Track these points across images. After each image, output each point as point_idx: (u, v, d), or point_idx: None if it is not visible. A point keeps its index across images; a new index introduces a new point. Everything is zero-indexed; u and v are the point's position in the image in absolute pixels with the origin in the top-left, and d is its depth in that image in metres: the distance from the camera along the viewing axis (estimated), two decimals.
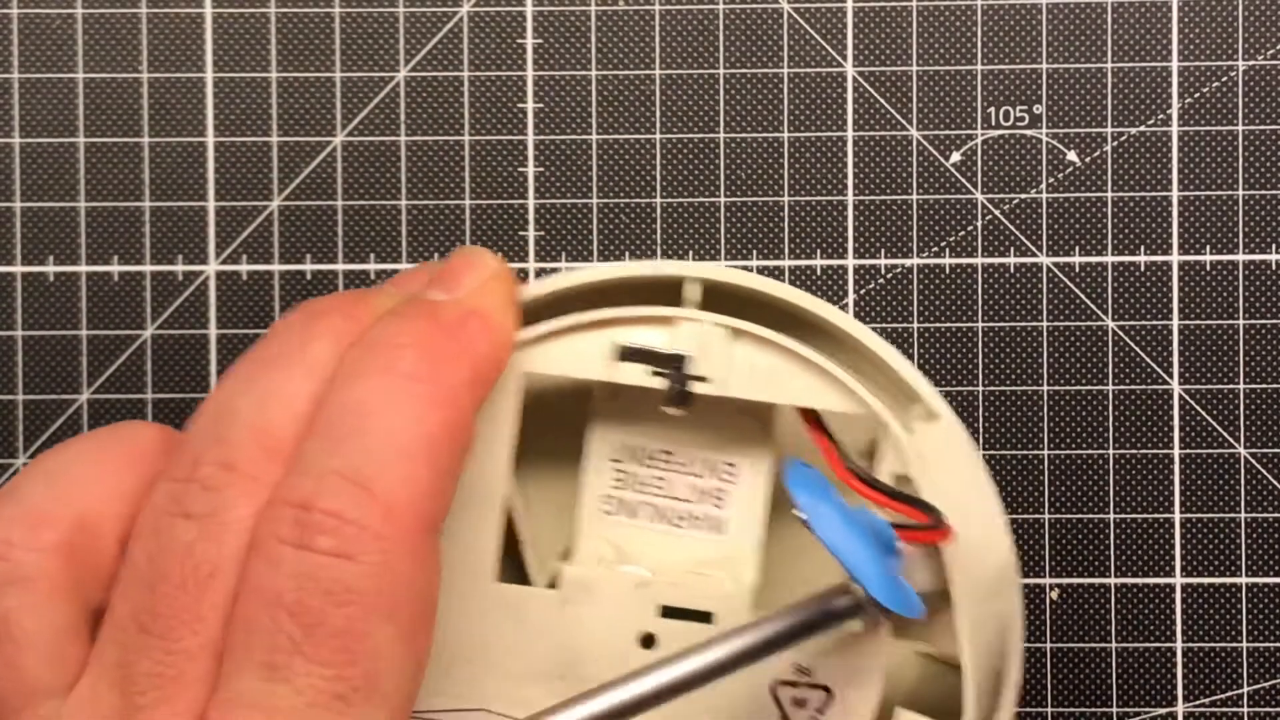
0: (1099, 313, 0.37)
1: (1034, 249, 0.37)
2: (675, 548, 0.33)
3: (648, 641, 0.32)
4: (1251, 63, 0.37)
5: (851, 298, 0.37)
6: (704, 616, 0.32)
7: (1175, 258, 0.37)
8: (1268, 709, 0.37)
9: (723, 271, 0.32)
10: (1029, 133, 0.37)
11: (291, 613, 0.25)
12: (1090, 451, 0.37)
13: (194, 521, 0.26)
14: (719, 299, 0.32)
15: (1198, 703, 0.37)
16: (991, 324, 0.37)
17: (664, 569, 0.32)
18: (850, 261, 0.37)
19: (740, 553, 0.32)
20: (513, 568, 0.33)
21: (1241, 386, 0.37)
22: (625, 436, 0.33)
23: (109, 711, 0.26)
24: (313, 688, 0.25)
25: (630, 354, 0.31)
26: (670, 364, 0.31)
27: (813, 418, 0.31)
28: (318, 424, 0.27)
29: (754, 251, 0.37)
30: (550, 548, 0.33)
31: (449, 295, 0.29)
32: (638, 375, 0.31)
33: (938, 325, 0.37)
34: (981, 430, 0.37)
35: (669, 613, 0.32)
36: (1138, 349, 0.37)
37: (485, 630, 0.31)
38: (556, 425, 0.33)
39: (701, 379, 0.31)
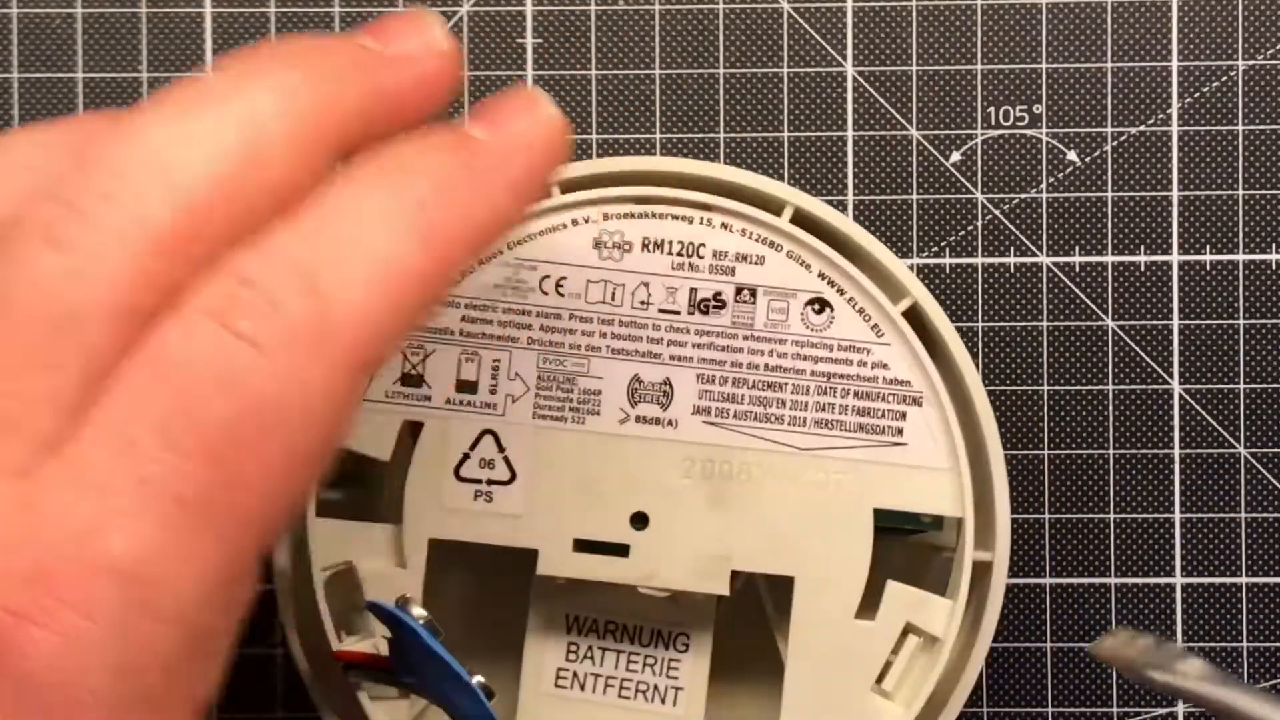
0: (1099, 313, 0.37)
1: (1034, 249, 0.37)
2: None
3: None
4: (1251, 63, 0.37)
5: None
6: None
7: (1175, 258, 0.37)
8: None
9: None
10: (1029, 133, 0.37)
11: (176, 388, 0.22)
12: (1090, 451, 0.37)
13: (61, 255, 0.22)
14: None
15: None
16: (991, 324, 0.37)
17: None
18: None
19: None
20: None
21: (1241, 386, 0.37)
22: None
23: None
24: (158, 478, 0.22)
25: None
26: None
27: None
28: (296, 211, 0.23)
29: None
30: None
31: (490, 135, 0.26)
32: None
33: None
34: None
35: None
36: (1138, 349, 0.37)
37: None
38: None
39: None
